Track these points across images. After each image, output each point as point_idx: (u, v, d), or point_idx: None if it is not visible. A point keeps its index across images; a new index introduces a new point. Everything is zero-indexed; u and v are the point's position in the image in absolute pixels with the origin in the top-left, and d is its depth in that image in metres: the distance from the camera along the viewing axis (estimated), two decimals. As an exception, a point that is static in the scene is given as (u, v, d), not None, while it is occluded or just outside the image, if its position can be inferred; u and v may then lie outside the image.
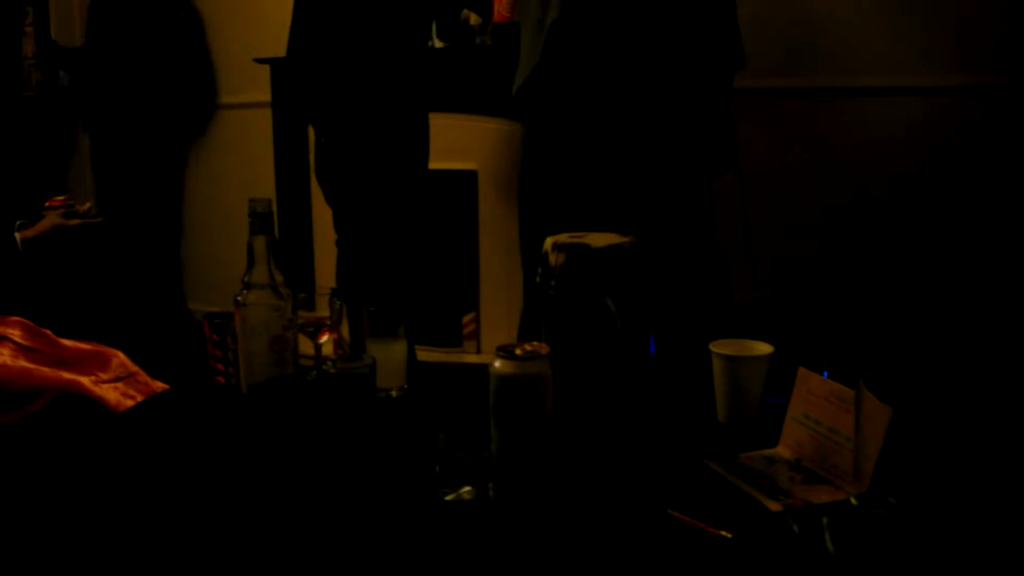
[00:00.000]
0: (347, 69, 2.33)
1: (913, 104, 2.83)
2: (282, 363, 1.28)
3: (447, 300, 3.17)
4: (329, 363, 1.26)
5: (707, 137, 1.83)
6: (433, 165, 2.65)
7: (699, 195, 1.88)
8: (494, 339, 3.13)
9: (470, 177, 3.08)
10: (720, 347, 1.28)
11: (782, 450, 1.19)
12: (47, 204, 2.11)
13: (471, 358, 3.14)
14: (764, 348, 1.29)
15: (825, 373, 1.19)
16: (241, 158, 3.89)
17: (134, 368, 1.80)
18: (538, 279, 1.16)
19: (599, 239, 1.14)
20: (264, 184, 3.51)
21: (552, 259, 1.12)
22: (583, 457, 1.14)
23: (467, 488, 1.06)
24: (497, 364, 0.99)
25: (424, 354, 2.99)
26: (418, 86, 2.44)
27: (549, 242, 1.14)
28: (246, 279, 1.28)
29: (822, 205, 2.97)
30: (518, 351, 0.99)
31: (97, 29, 3.76)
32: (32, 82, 3.80)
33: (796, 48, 2.92)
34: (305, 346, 1.41)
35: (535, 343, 1.01)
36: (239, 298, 1.28)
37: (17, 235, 2.06)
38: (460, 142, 3.00)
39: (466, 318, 3.17)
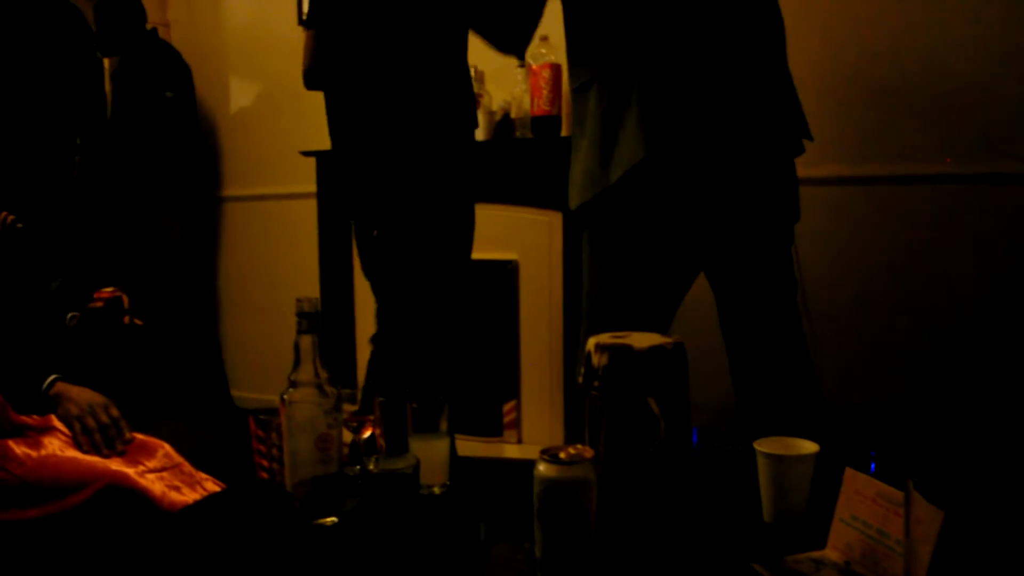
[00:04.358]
0: (394, 161, 2.38)
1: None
2: (326, 460, 1.29)
3: (488, 388, 3.17)
4: (373, 460, 1.26)
5: (773, 189, 1.82)
6: (475, 255, 2.68)
7: (777, 251, 1.86)
8: (535, 428, 3.12)
9: (511, 266, 3.11)
10: (764, 446, 1.27)
11: (830, 553, 1.17)
12: (95, 295, 2.16)
13: (512, 449, 3.12)
14: (810, 447, 1.28)
15: (872, 465, 1.17)
16: (287, 247, 3.97)
17: (178, 459, 1.82)
18: (580, 379, 1.16)
19: (642, 340, 1.14)
20: (308, 273, 3.57)
21: (595, 360, 1.13)
22: (628, 560, 1.12)
23: (510, 590, 1.06)
24: (541, 468, 0.99)
25: (465, 443, 2.98)
26: (466, 176, 2.48)
27: (592, 342, 1.15)
28: (292, 377, 1.30)
29: (887, 302, 2.95)
30: (562, 455, 0.99)
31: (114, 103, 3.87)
32: (76, 168, 3.90)
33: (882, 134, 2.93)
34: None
35: (579, 446, 1.01)
36: (285, 396, 1.30)
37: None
38: (501, 232, 3.04)
39: (507, 406, 3.16)
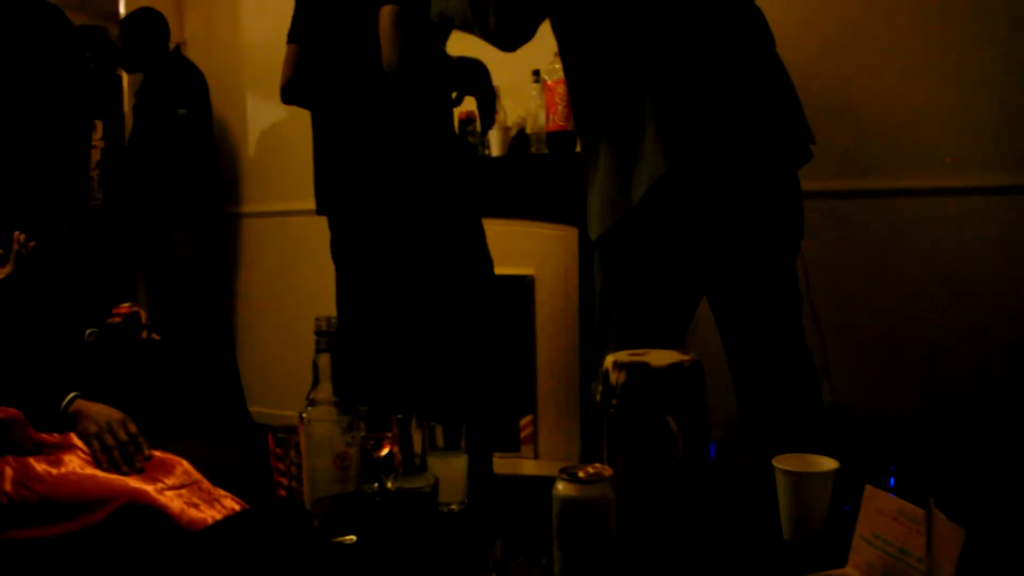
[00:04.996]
0: (372, 175, 2.37)
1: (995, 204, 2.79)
2: (345, 479, 1.29)
3: (504, 403, 3.16)
4: (391, 479, 1.27)
5: (778, 205, 1.81)
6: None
7: (784, 266, 1.86)
8: (552, 442, 3.11)
9: (527, 281, 3.12)
10: (784, 463, 1.26)
11: (851, 571, 1.16)
12: (113, 311, 2.17)
13: (529, 465, 3.12)
14: (829, 464, 1.27)
15: (892, 480, 1.17)
16: (305, 263, 3.98)
17: (197, 476, 1.83)
18: (598, 397, 1.16)
19: (660, 357, 1.14)
20: (326, 289, 3.57)
21: (613, 378, 1.13)
22: (647, 578, 1.12)
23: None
24: (560, 487, 0.99)
25: (481, 458, 2.97)
26: (464, 192, 2.47)
27: (610, 360, 1.15)
28: (311, 396, 1.30)
29: (896, 310, 2.93)
30: (581, 474, 0.99)
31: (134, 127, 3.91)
32: (97, 191, 3.94)
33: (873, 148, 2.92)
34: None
35: (597, 465, 1.01)
36: (304, 415, 1.30)
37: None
38: (517, 247, 3.05)
39: (523, 421, 3.16)
